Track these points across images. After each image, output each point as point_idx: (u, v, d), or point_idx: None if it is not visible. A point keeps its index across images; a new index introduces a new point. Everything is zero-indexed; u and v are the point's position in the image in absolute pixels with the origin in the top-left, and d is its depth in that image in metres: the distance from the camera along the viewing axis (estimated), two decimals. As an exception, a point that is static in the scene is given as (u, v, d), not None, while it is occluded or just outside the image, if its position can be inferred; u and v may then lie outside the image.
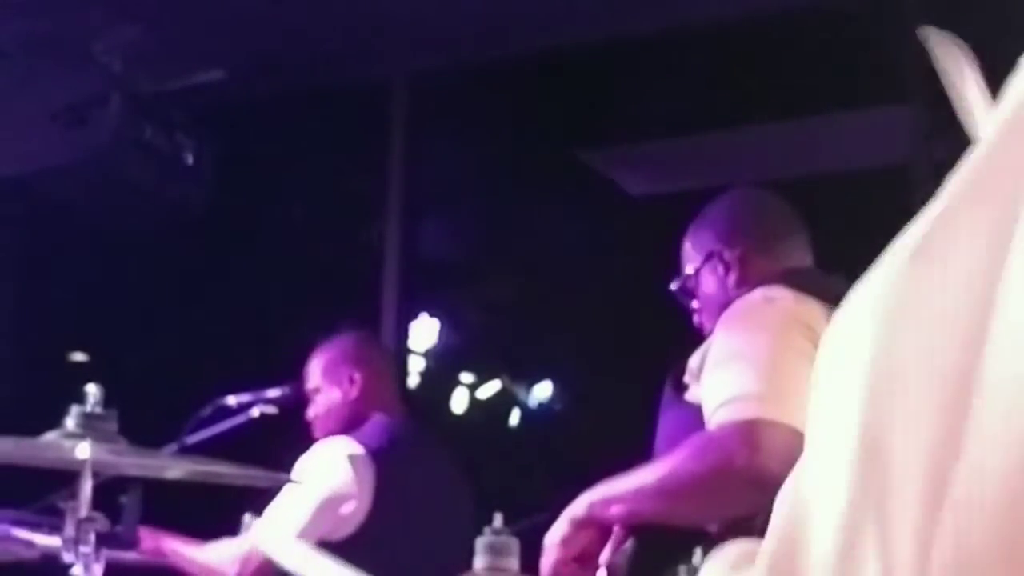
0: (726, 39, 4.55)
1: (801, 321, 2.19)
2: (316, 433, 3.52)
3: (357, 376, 3.52)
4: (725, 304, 2.37)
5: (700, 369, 2.21)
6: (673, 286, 2.56)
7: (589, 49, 4.76)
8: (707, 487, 2.06)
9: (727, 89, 4.66)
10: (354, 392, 3.52)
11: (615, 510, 2.15)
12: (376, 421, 3.47)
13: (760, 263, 2.45)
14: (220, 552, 3.35)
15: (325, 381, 3.55)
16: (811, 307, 2.23)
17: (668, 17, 4.55)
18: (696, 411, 2.17)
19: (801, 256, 2.50)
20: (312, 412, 3.56)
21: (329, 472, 3.27)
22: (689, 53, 4.66)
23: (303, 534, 3.26)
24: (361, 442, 3.36)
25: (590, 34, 4.66)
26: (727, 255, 2.47)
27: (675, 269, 2.60)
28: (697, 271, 2.51)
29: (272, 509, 3.31)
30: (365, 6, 4.61)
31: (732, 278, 2.45)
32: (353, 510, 3.29)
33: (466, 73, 4.99)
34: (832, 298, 2.27)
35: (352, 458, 3.31)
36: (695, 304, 2.53)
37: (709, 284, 2.49)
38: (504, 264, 5.33)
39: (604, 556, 2.18)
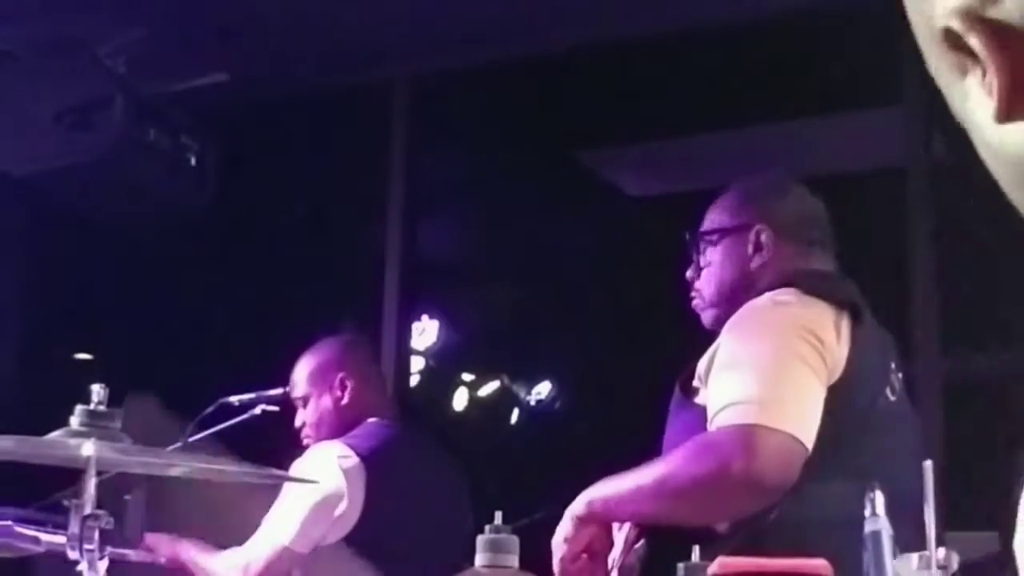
0: (725, 40, 4.57)
1: (807, 328, 2.18)
2: (307, 440, 3.48)
3: (349, 382, 3.50)
4: (735, 281, 2.37)
5: (707, 373, 2.21)
6: (690, 241, 2.47)
7: (588, 51, 4.78)
8: (704, 489, 2.08)
9: (726, 90, 4.68)
10: (346, 398, 3.49)
11: (614, 508, 2.17)
12: (368, 425, 3.46)
13: (788, 257, 2.40)
14: (226, 561, 3.36)
15: (315, 388, 3.51)
16: (819, 311, 2.23)
17: (667, 18, 4.56)
18: (705, 414, 2.17)
19: (825, 260, 2.45)
20: (301, 419, 3.52)
21: (321, 476, 3.25)
22: (688, 54, 4.68)
23: (298, 539, 3.28)
24: (353, 446, 3.35)
25: (589, 36, 4.68)
26: (764, 237, 2.40)
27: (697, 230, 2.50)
28: (721, 233, 2.45)
29: (267, 517, 3.32)
30: (367, 8, 4.63)
31: (758, 260, 2.40)
32: (345, 513, 3.28)
33: (467, 75, 5.01)
34: (842, 302, 2.28)
35: (343, 461, 3.31)
36: (703, 263, 2.45)
37: (728, 254, 2.43)
38: (504, 265, 5.35)
39: (617, 557, 2.20)
